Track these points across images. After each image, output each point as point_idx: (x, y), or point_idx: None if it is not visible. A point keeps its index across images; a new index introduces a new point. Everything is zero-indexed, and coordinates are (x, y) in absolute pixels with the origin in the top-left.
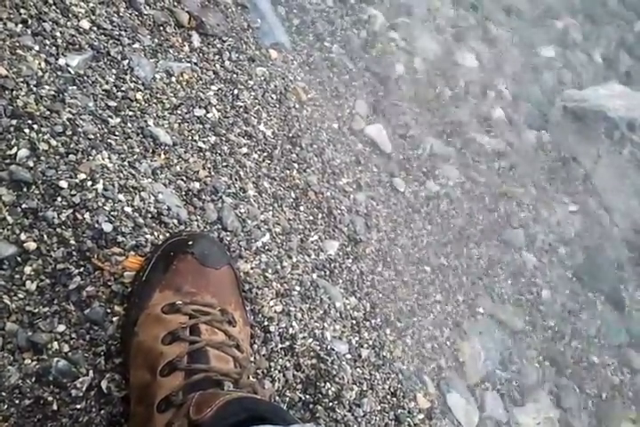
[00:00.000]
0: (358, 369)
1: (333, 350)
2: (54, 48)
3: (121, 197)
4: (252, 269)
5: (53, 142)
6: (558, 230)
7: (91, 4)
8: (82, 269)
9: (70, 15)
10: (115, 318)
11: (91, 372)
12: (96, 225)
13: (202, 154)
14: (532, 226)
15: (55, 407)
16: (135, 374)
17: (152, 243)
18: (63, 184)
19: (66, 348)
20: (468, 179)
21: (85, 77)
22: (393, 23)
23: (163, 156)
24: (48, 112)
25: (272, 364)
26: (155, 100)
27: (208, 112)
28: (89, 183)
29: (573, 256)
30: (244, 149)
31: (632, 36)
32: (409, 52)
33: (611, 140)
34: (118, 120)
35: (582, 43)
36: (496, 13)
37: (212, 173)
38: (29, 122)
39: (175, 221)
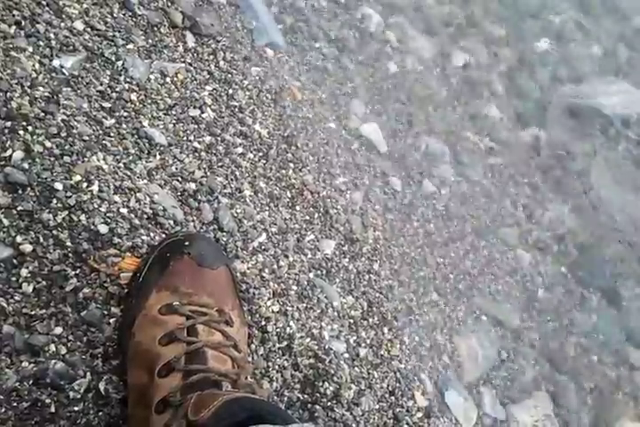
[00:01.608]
0: (356, 368)
1: (331, 349)
2: (48, 49)
3: (116, 198)
4: (248, 269)
5: (48, 144)
6: (553, 227)
7: (84, 5)
8: (78, 271)
9: (64, 16)
10: (112, 320)
11: (88, 374)
12: (92, 227)
13: (197, 154)
14: (527, 223)
15: (53, 410)
16: (133, 375)
17: (148, 244)
18: (58, 186)
19: (63, 350)
20: (463, 178)
21: (79, 79)
22: (387, 22)
23: (158, 156)
24: (42, 114)
25: (270, 364)
26: (149, 101)
27: (203, 112)
28: (84, 185)
29: (568, 253)
30: (240, 149)
31: (630, 31)
32: (403, 51)
33: (606, 137)
34: (113, 121)
35: (580, 37)
36: (490, 10)
37: (208, 174)
38: (24, 124)
39: (171, 222)
